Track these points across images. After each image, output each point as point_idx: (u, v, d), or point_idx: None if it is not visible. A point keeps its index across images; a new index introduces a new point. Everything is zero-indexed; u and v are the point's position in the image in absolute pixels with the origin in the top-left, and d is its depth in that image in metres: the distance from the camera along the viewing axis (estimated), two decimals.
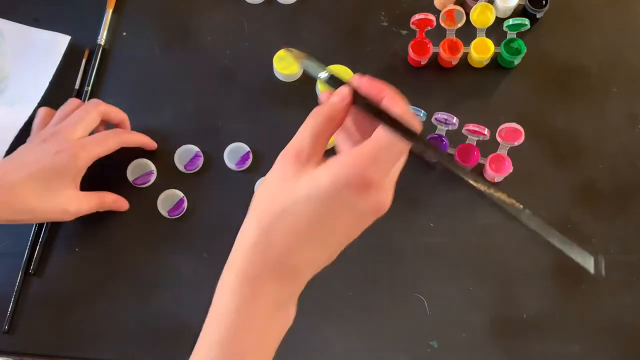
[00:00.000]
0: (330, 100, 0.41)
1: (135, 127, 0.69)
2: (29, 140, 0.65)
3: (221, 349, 0.39)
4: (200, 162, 0.68)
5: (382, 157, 0.38)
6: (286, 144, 0.69)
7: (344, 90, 0.41)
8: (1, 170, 0.59)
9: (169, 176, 0.68)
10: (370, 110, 0.40)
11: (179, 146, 0.69)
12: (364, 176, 0.37)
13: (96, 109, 0.64)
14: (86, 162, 0.61)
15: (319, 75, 0.44)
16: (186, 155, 0.68)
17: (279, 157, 0.41)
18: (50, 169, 0.59)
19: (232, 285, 0.40)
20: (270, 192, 0.40)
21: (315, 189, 0.38)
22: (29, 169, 0.59)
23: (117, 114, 0.66)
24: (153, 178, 0.68)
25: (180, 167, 0.68)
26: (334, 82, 0.43)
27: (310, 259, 0.40)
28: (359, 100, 0.41)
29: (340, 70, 0.70)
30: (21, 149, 0.63)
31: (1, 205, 0.58)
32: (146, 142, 0.68)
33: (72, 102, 0.66)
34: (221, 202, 0.67)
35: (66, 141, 0.61)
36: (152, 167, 0.68)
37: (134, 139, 0.67)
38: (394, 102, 0.40)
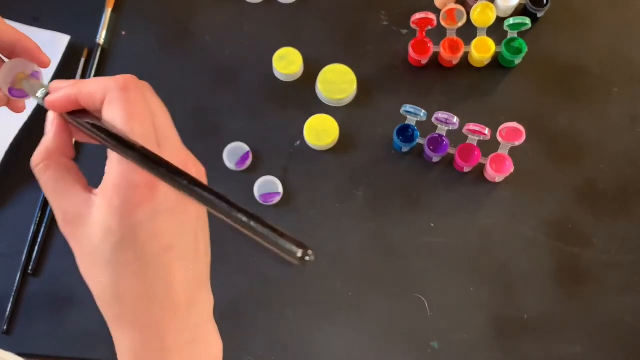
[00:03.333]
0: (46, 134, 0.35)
1: None
2: None
3: None
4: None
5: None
6: (286, 144, 0.70)
7: (52, 117, 0.35)
8: None
9: None
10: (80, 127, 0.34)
11: None
12: (138, 186, 0.31)
13: None
14: None
15: (36, 95, 0.38)
16: None
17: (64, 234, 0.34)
18: None
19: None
20: (88, 269, 0.35)
21: (111, 235, 0.31)
22: None
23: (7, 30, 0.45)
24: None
25: None
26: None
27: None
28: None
29: (340, 69, 0.70)
30: None
31: None
32: (26, 42, 0.46)
33: None
34: None
35: None
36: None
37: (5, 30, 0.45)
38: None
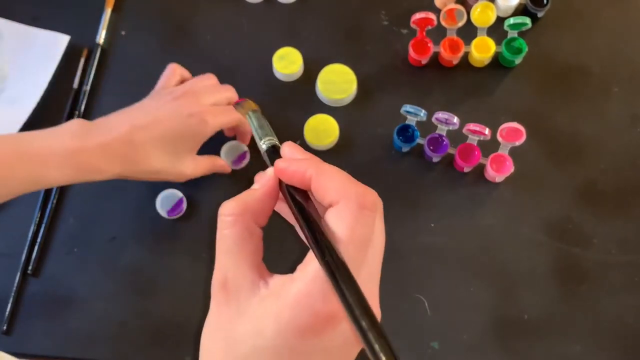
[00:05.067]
0: (251, 197, 0.33)
1: None
2: (155, 92, 0.64)
3: None
4: None
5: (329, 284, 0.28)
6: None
7: (268, 177, 0.33)
8: (132, 121, 0.57)
9: None
10: (294, 209, 0.31)
11: None
12: (317, 315, 0.27)
13: (230, 92, 0.65)
14: (212, 129, 0.60)
15: (261, 144, 0.36)
16: None
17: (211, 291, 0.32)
18: (181, 131, 0.58)
19: None
20: (213, 341, 0.31)
21: (260, 338, 0.28)
22: (160, 129, 0.57)
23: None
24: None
25: None
26: (273, 155, 0.35)
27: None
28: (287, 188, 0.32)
29: (340, 69, 0.70)
30: (150, 101, 0.61)
31: (127, 163, 0.56)
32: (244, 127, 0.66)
33: (210, 76, 0.66)
34: (220, 202, 0.67)
35: (198, 105, 0.60)
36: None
37: (239, 120, 0.64)
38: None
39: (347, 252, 0.28)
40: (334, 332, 0.28)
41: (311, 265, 0.29)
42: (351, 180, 0.31)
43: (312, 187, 0.31)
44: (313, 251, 0.28)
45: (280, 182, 0.33)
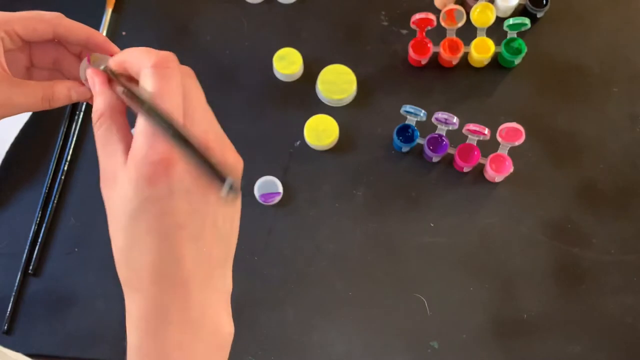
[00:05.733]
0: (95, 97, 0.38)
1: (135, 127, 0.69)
2: None
3: None
4: None
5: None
6: (286, 144, 0.70)
7: (96, 81, 0.39)
8: None
9: None
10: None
11: None
12: (153, 162, 0.32)
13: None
14: None
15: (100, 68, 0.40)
16: None
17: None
18: None
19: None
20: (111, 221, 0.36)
21: (129, 203, 0.32)
22: None
23: (78, 29, 0.48)
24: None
25: None
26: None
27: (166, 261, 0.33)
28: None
29: (340, 69, 0.70)
30: None
31: None
32: (97, 37, 0.47)
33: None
34: None
35: None
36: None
37: (76, 29, 0.47)
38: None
39: (162, 102, 0.33)
40: (176, 172, 0.32)
41: (136, 127, 0.33)
42: (148, 52, 0.37)
43: (127, 69, 0.38)
44: (139, 111, 0.33)
45: (109, 69, 0.39)
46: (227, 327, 0.37)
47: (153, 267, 0.33)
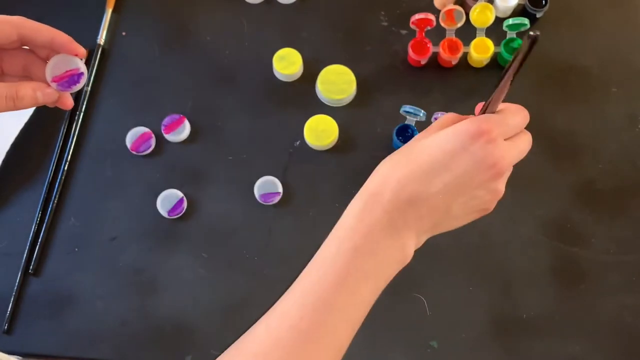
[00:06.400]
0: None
1: (135, 127, 0.69)
2: None
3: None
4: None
5: (498, 119, 0.45)
6: (286, 144, 0.70)
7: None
8: None
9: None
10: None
11: None
12: (479, 126, 0.43)
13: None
14: None
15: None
16: None
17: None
18: None
19: (345, 225, 0.44)
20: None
21: (437, 137, 0.43)
22: None
23: (42, 30, 0.48)
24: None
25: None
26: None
27: (424, 192, 0.42)
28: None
29: (340, 70, 0.70)
30: None
31: None
32: (61, 37, 0.48)
33: None
34: (220, 202, 0.67)
35: None
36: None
37: (40, 30, 0.48)
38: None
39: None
40: (479, 143, 0.43)
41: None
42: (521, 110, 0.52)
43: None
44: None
45: None
46: (410, 252, 0.45)
47: (427, 194, 0.43)
